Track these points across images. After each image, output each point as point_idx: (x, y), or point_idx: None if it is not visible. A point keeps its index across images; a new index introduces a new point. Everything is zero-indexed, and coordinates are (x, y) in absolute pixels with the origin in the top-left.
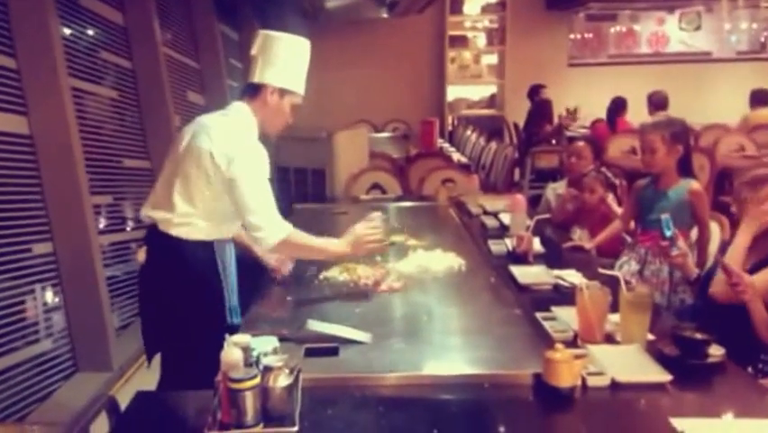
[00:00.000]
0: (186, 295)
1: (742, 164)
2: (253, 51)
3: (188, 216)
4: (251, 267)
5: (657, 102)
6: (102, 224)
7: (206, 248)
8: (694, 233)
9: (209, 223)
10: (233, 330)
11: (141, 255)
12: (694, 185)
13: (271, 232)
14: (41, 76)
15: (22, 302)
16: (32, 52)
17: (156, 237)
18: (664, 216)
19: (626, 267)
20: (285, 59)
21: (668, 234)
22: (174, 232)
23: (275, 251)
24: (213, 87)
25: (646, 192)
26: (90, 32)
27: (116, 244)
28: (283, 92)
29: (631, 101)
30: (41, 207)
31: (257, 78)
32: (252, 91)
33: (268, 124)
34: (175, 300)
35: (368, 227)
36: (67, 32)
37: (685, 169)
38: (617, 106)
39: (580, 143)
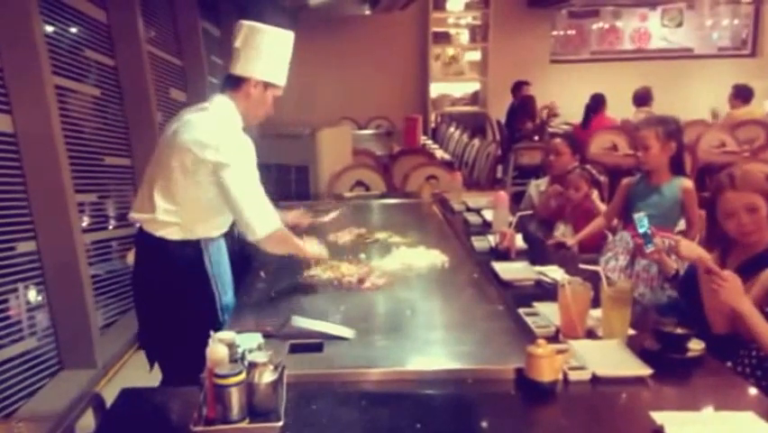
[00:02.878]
0: (175, 296)
1: (723, 160)
2: (237, 44)
3: (170, 215)
4: (236, 264)
5: (640, 97)
6: (86, 222)
7: (193, 247)
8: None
9: (192, 220)
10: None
11: (130, 257)
12: (687, 183)
13: (264, 222)
14: (25, 74)
15: (6, 300)
16: (15, 50)
17: (142, 239)
18: (637, 215)
19: (612, 262)
20: (269, 51)
21: (641, 230)
22: (158, 233)
23: (262, 243)
24: (195, 84)
25: (638, 188)
26: (73, 30)
27: (100, 242)
28: (266, 85)
29: (613, 97)
30: (25, 205)
31: (239, 70)
32: (234, 83)
33: (250, 116)
34: (165, 302)
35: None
36: (50, 29)
37: (677, 166)
38: (596, 104)
39: (557, 140)
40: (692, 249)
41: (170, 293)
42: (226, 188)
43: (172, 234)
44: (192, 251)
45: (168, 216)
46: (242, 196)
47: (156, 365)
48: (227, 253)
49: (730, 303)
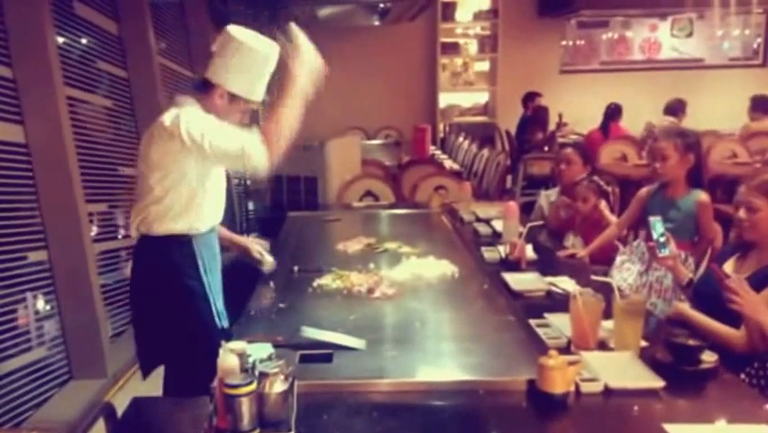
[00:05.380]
0: (169, 299)
1: (734, 171)
2: (213, 47)
3: (161, 205)
4: (243, 273)
5: (671, 108)
6: (96, 231)
7: (186, 247)
8: None
9: (183, 212)
10: (224, 334)
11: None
12: (702, 196)
13: (256, 150)
14: (38, 85)
15: (18, 310)
16: (28, 62)
17: (139, 245)
18: (653, 218)
19: (627, 264)
20: (242, 63)
21: (655, 235)
22: (154, 230)
23: (270, 156)
24: None
25: (654, 200)
26: (85, 42)
27: (110, 251)
28: (233, 97)
29: (623, 108)
30: (37, 215)
31: (209, 74)
32: (203, 87)
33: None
34: (160, 307)
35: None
36: (62, 41)
37: (695, 179)
38: (613, 112)
39: (568, 150)
40: (675, 307)
41: (165, 298)
42: (205, 146)
43: (164, 225)
44: (185, 249)
45: (159, 206)
46: (221, 144)
47: (151, 374)
48: (222, 263)
49: (754, 317)
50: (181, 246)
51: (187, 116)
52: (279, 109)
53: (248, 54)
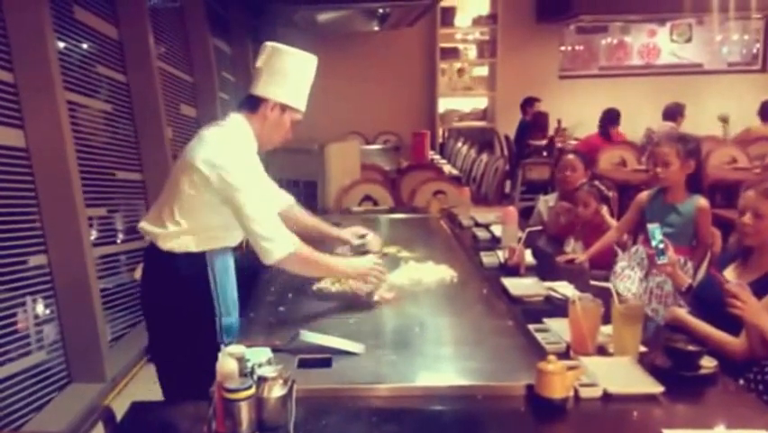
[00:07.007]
0: (176, 311)
1: (734, 176)
2: (258, 63)
3: (178, 229)
4: (243, 277)
5: (669, 112)
6: (95, 236)
7: (198, 262)
8: None
9: (200, 236)
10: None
11: (138, 273)
12: (702, 201)
13: (279, 244)
14: (38, 90)
15: (17, 314)
16: (28, 66)
17: (150, 253)
18: (651, 225)
19: (627, 271)
20: (289, 74)
21: (653, 243)
22: (165, 247)
23: (281, 264)
24: (205, 100)
25: (654, 205)
26: (85, 47)
27: (110, 256)
28: (284, 108)
29: (622, 113)
30: (37, 219)
31: (258, 90)
32: (252, 104)
33: (266, 139)
34: (168, 317)
35: (377, 263)
36: (63, 46)
37: (695, 185)
38: (611, 117)
39: (571, 156)
40: (671, 311)
41: (172, 308)
42: (239, 212)
43: (178, 246)
44: (197, 266)
45: (175, 231)
46: (255, 219)
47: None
48: (235, 272)
49: (755, 322)
50: (194, 258)
51: (232, 169)
52: (322, 263)
53: (292, 64)
